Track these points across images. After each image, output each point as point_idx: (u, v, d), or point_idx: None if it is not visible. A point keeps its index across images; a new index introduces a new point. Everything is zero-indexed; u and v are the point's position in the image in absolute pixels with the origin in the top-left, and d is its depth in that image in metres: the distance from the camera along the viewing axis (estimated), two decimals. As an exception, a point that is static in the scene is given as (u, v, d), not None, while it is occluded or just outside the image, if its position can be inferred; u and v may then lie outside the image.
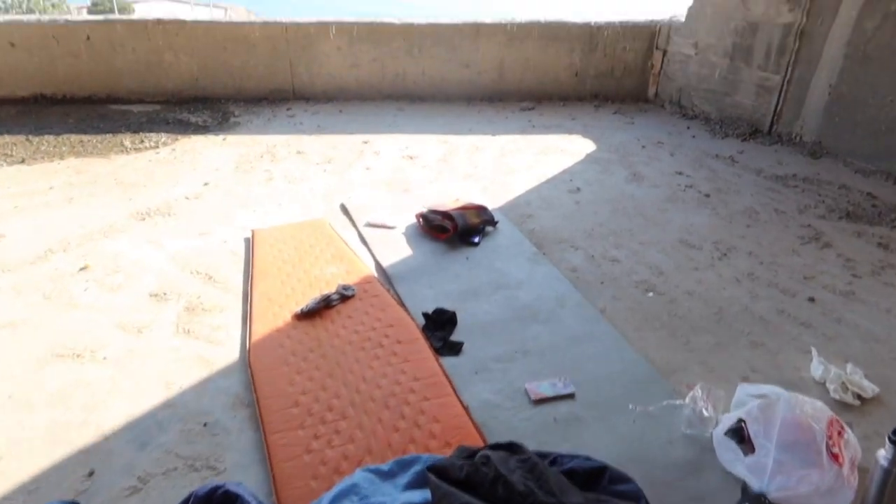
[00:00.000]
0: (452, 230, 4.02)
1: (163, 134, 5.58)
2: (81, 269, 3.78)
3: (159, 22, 6.06)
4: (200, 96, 6.29)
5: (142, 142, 5.43)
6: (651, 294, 3.63)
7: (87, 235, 4.08)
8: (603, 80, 6.49)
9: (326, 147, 5.41)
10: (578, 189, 4.78)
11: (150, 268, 3.75)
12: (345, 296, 3.46)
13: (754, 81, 5.81)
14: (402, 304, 3.41)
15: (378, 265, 3.84)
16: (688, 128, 6.01)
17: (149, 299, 3.46)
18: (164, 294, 3.51)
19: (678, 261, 3.96)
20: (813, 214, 4.53)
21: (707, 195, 4.78)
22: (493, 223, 4.20)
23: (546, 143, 5.57)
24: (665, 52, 6.39)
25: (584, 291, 3.58)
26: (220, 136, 5.59)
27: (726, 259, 4.00)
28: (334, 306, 3.38)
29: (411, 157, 5.23)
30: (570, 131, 5.86)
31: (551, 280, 3.73)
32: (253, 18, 6.06)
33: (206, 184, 4.74)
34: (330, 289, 3.51)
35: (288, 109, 6.20)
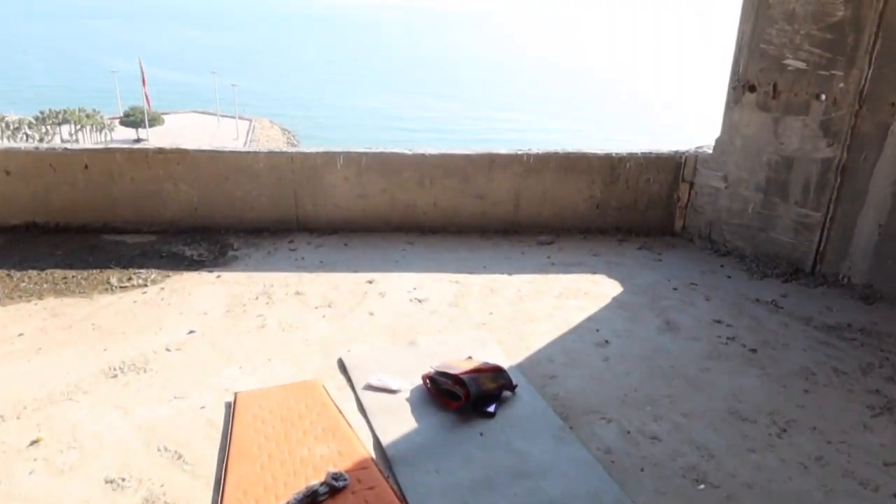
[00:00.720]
0: (465, 398, 3.50)
1: (153, 270, 5.19)
2: (33, 442, 3.35)
3: (160, 151, 5.82)
4: (199, 226, 5.96)
5: (130, 279, 5.03)
6: (702, 486, 3.09)
7: (47, 398, 3.61)
8: (626, 213, 6.12)
9: (328, 287, 4.98)
10: (606, 342, 4.27)
11: (112, 443, 3.26)
12: (335, 487, 2.96)
13: (792, 218, 5.39)
14: (403, 499, 2.89)
15: (377, 442, 3.32)
16: (721, 266, 5.55)
17: (103, 487, 2.97)
18: (122, 480, 3.01)
19: (730, 439, 3.41)
20: (879, 376, 3.97)
21: (753, 350, 4.24)
22: (512, 388, 3.67)
23: (568, 285, 5.11)
24: (692, 185, 6.04)
25: (622, 482, 3.03)
26: (215, 273, 5.19)
27: (787, 436, 3.43)
28: (322, 502, 2.89)
29: (420, 301, 4.77)
30: (593, 269, 5.41)
31: (582, 467, 3.18)
32: (258, 148, 5.81)
33: (191, 332, 4.29)
34: (318, 477, 3.02)
35: (290, 242, 5.83)
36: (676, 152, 6.10)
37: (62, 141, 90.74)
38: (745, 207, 5.69)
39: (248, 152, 5.88)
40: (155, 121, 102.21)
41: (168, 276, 5.10)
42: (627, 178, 6.06)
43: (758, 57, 5.40)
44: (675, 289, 5.07)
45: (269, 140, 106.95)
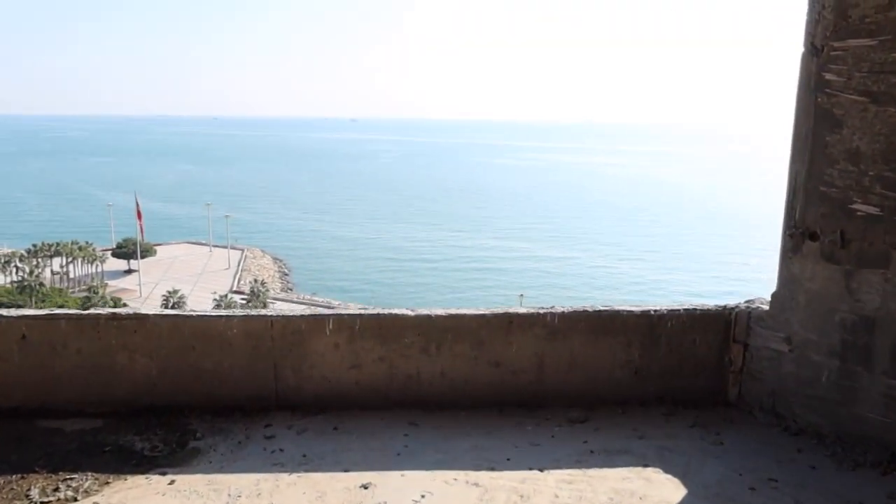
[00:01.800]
0: None
1: (90, 474, 4.08)
2: None
3: (114, 317, 4.87)
4: (158, 405, 4.91)
5: (56, 489, 3.92)
6: None
7: None
8: (669, 380, 5.13)
9: (311, 496, 3.87)
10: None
11: None
12: None
13: (880, 391, 4.42)
14: None
15: None
16: (799, 451, 4.50)
17: None
18: None
19: None
20: None
21: None
22: None
23: (616, 486, 4.02)
24: (746, 346, 5.11)
25: None
26: (168, 477, 4.08)
27: None
28: None
29: (430, 519, 3.66)
30: (642, 459, 4.35)
31: None
32: (232, 312, 4.89)
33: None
34: None
35: (266, 427, 4.76)
36: (725, 308, 5.21)
37: (52, 273, 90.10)
38: (816, 375, 4.72)
39: (220, 316, 4.94)
40: (147, 252, 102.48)
41: (107, 484, 3.99)
42: (670, 338, 5.13)
43: (817, 201, 4.64)
44: (752, 489, 4.00)
45: (261, 269, 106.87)
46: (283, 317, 4.98)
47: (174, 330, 4.91)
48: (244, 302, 70.28)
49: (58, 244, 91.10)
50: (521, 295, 78.07)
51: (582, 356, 5.10)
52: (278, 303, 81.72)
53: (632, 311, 5.11)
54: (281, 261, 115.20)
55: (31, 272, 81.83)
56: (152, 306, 75.58)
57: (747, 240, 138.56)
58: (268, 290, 79.76)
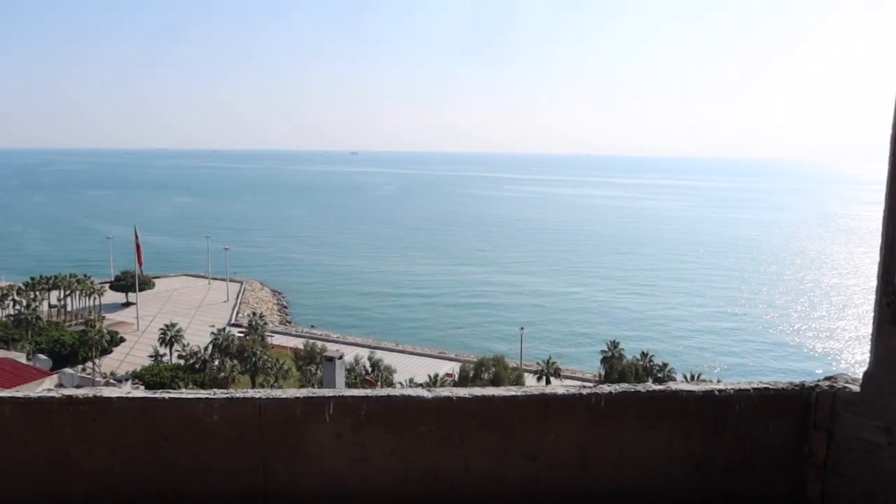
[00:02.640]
0: None
1: None
2: None
3: (70, 401, 4.03)
4: (122, 508, 4.03)
5: None
6: None
7: None
8: (738, 475, 4.28)
9: None
10: None
11: None
12: None
13: None
14: None
15: None
16: (912, 576, 3.64)
17: None
18: None
19: None
20: None
21: None
22: None
23: None
24: (831, 435, 4.25)
25: None
26: None
27: None
28: None
29: None
30: (721, 589, 3.48)
31: None
32: (212, 395, 4.06)
33: None
34: None
35: (252, 539, 3.89)
36: (803, 387, 4.36)
37: (49, 307, 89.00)
38: (925, 476, 3.86)
39: (198, 399, 4.10)
40: (146, 284, 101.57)
41: None
42: (737, 424, 4.28)
43: (922, 262, 3.84)
44: None
45: (260, 301, 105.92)
46: (274, 400, 4.13)
47: (142, 416, 4.07)
48: (241, 335, 69.18)
49: (56, 277, 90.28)
50: (522, 328, 77.08)
51: (633, 446, 4.24)
52: (276, 336, 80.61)
53: (692, 392, 4.26)
54: (280, 294, 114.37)
55: (28, 305, 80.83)
56: (150, 339, 74.41)
57: (746, 271, 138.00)
58: (266, 324, 78.67)
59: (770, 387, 4.34)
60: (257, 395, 4.17)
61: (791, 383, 4.42)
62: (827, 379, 4.43)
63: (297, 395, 4.18)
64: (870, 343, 4.09)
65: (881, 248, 4.03)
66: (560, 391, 4.26)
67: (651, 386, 4.30)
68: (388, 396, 4.17)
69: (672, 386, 4.30)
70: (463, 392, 4.22)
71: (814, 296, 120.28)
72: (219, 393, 4.21)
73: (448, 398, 4.18)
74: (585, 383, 66.24)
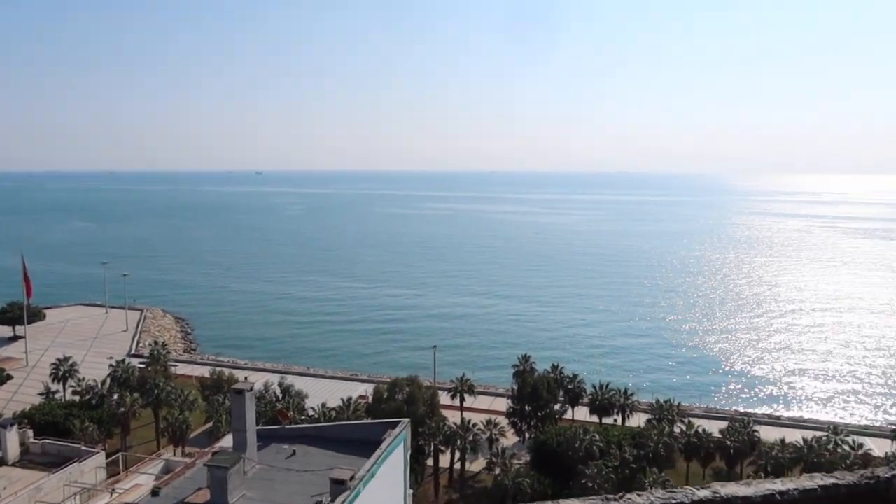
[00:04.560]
0: None
1: None
2: None
3: None
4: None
5: None
6: None
7: None
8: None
9: None
10: None
11: None
12: None
13: None
14: None
15: None
16: None
17: None
18: None
19: None
20: None
21: None
22: None
23: None
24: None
25: None
26: None
27: None
28: None
29: None
30: None
31: None
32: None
33: None
34: None
35: None
36: (878, 480, 3.75)
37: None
38: None
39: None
40: (35, 316, 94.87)
41: None
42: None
43: None
44: None
45: (162, 329, 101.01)
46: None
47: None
48: (143, 366, 65.67)
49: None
50: (435, 346, 77.09)
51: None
52: (180, 365, 77.05)
53: (749, 499, 3.47)
54: (183, 321, 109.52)
55: None
56: (40, 374, 69.32)
57: (650, 280, 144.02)
58: (169, 353, 75.02)
59: (839, 482, 3.63)
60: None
61: (862, 475, 3.71)
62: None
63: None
64: None
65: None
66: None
67: (695, 493, 3.55)
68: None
69: (722, 492, 3.54)
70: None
71: (712, 302, 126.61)
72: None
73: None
74: (494, 410, 65.49)
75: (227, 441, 28.67)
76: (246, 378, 65.50)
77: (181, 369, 74.64)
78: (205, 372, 68.36)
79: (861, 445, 51.35)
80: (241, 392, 23.47)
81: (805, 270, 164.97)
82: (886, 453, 51.51)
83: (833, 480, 3.55)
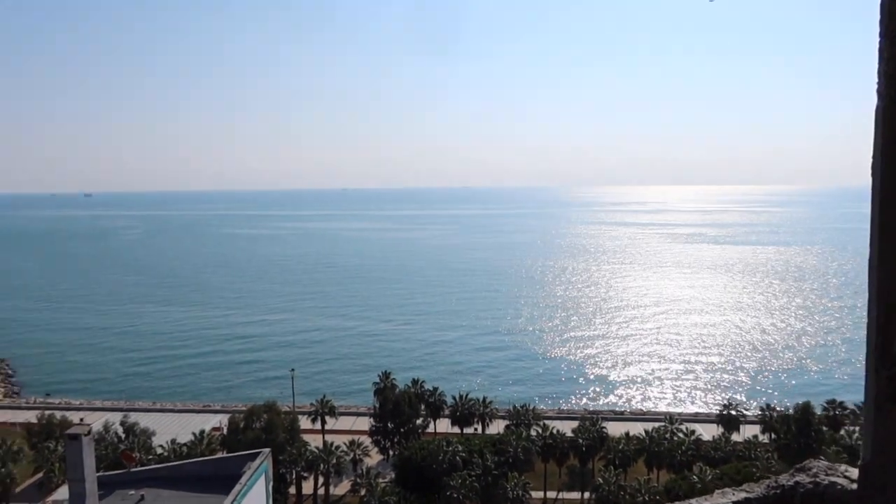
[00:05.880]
0: None
1: None
2: None
3: None
4: None
5: None
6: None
7: None
8: None
9: None
10: None
11: None
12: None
13: None
14: None
15: None
16: None
17: None
18: None
19: None
20: None
21: None
22: None
23: None
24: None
25: None
26: None
27: None
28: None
29: None
30: None
31: None
32: None
33: None
34: None
35: None
36: (783, 489, 3.63)
37: None
38: None
39: None
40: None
41: None
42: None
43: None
44: None
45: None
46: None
47: None
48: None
49: None
50: (293, 370, 74.94)
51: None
52: (1, 411, 69.04)
53: None
54: (2, 361, 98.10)
55: None
56: None
57: (502, 291, 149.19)
58: (-14, 399, 67.01)
59: (749, 496, 3.50)
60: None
61: (769, 486, 3.62)
62: (803, 471, 3.64)
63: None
64: (863, 426, 3.21)
65: (869, 306, 3.03)
66: None
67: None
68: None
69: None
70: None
71: (557, 308, 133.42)
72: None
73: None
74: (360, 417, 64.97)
75: (63, 493, 25.91)
76: (82, 420, 59.74)
77: (1, 416, 66.88)
78: (31, 417, 61.60)
79: (693, 432, 56.23)
80: (76, 437, 21.19)
81: (637, 275, 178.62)
82: (714, 436, 56.58)
83: (744, 495, 3.48)
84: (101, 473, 23.25)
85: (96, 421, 59.29)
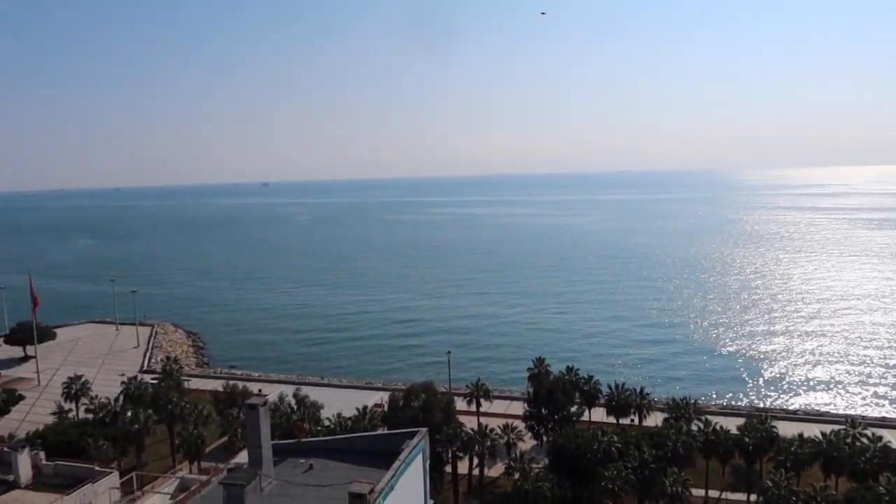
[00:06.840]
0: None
1: None
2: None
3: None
4: None
5: None
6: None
7: None
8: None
9: None
10: None
11: None
12: None
13: None
14: None
15: None
16: None
17: None
18: None
19: None
20: None
21: None
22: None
23: None
24: None
25: None
26: None
27: None
28: None
29: None
30: None
31: None
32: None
33: None
34: None
35: None
36: None
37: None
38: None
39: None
40: (46, 335, 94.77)
41: None
42: None
43: None
44: None
45: (174, 345, 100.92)
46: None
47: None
48: (155, 382, 65.53)
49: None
50: (449, 352, 76.80)
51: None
52: (193, 379, 76.90)
53: None
54: (195, 335, 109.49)
55: None
56: (53, 394, 69.28)
57: (661, 280, 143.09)
58: (182, 368, 74.86)
59: None
60: None
61: None
62: None
63: None
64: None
65: None
66: None
67: None
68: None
69: None
70: None
71: (724, 299, 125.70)
72: None
73: None
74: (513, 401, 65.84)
75: (242, 456, 28.42)
76: (260, 390, 65.17)
77: (194, 384, 74.49)
78: (218, 386, 68.15)
79: (880, 438, 50.53)
80: (254, 407, 23.09)
81: (820, 264, 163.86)
82: (907, 445, 50.84)
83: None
84: (275, 441, 25.20)
85: (272, 392, 64.53)
